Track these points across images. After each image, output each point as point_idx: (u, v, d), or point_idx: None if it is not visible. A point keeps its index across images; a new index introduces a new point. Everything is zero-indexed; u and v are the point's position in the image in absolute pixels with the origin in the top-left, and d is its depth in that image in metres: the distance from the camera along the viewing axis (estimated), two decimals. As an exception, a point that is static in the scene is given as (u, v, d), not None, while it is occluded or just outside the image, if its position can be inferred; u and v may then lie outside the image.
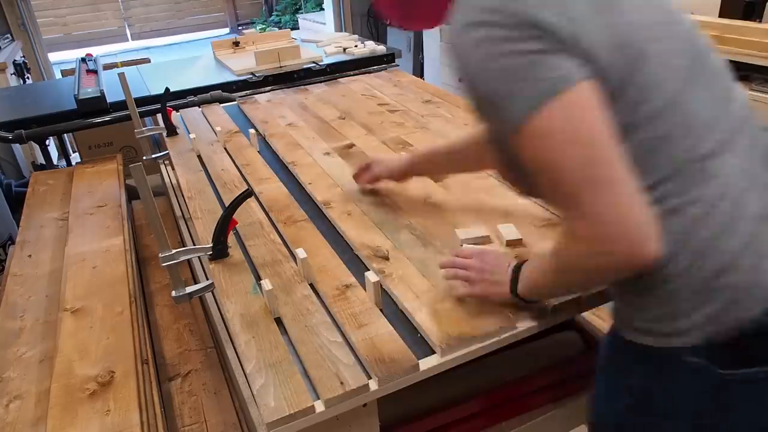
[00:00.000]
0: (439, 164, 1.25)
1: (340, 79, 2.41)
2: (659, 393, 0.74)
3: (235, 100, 2.19)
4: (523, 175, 0.74)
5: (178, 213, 1.55)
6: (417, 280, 1.02)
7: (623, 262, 0.65)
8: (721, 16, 2.50)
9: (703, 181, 0.68)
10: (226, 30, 9.03)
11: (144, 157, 1.72)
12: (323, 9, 5.20)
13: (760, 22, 2.42)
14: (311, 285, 1.05)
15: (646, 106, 0.67)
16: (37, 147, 2.65)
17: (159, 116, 1.93)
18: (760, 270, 0.67)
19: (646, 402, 0.75)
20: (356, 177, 1.35)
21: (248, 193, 1.11)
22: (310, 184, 1.42)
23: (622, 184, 0.63)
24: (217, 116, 1.99)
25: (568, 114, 0.63)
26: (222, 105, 2.13)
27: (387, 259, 1.09)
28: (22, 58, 3.85)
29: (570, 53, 0.64)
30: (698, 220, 0.67)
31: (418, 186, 1.37)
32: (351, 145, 1.65)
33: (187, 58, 2.96)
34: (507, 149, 0.72)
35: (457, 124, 1.76)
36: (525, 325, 0.90)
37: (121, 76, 1.55)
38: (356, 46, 2.63)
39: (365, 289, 1.01)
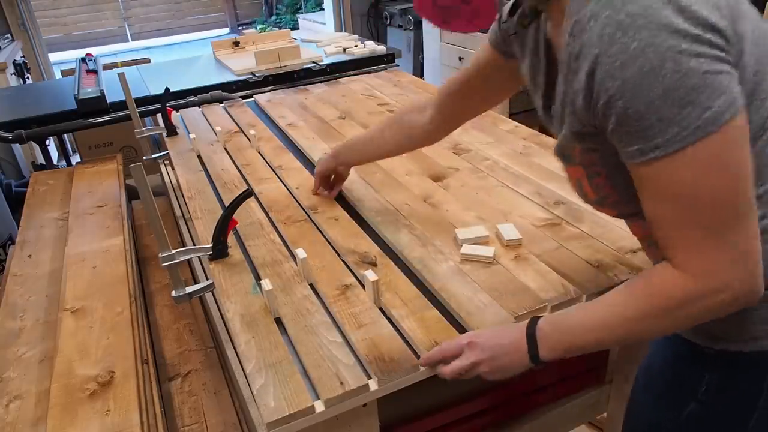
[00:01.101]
0: (361, 152, 1.27)
1: (340, 79, 2.41)
2: (732, 396, 0.74)
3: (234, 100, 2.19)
4: (624, 201, 0.71)
5: (178, 213, 1.55)
6: (405, 287, 1.02)
7: (738, 300, 0.63)
8: None
9: None
10: (226, 30, 9.03)
11: (144, 157, 1.72)
12: (323, 9, 5.20)
13: None
14: (311, 285, 1.05)
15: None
16: (37, 147, 2.65)
17: (159, 116, 1.93)
18: None
19: (716, 406, 0.76)
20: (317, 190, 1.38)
21: (248, 193, 1.11)
22: (297, 188, 1.42)
23: (755, 218, 0.62)
24: (217, 116, 1.99)
25: (730, 145, 0.58)
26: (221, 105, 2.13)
27: (374, 265, 1.08)
28: (22, 58, 3.84)
29: (735, 70, 0.58)
30: None
31: (417, 186, 1.37)
32: (351, 145, 1.65)
33: (187, 58, 2.95)
34: (614, 173, 0.68)
35: (457, 124, 1.76)
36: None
37: (121, 76, 1.55)
38: (356, 46, 2.63)
39: (365, 289, 1.01)
